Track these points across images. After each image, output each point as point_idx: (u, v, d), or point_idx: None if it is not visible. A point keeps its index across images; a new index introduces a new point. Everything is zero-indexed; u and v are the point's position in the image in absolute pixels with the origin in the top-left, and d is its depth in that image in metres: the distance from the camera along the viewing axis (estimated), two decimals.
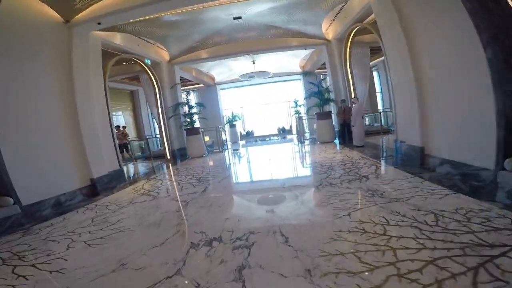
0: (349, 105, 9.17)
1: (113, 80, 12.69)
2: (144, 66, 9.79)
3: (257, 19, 8.75)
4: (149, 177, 7.47)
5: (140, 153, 13.33)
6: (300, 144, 10.66)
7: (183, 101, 10.86)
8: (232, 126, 16.57)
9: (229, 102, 18.00)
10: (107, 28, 7.23)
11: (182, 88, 16.41)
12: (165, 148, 10.40)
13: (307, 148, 9.36)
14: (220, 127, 11.48)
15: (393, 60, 5.67)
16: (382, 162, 5.89)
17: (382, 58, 13.26)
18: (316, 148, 8.91)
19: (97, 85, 6.93)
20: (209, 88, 16.58)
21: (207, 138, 11.77)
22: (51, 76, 5.66)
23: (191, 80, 15.44)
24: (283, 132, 15.94)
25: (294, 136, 15.71)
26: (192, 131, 10.19)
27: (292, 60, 13.84)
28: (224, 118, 17.05)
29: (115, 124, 12.45)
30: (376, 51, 12.39)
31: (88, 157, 6.05)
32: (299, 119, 11.74)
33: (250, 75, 12.68)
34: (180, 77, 13.79)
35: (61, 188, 5.42)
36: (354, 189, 4.13)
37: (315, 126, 11.76)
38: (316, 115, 9.92)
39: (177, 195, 5.19)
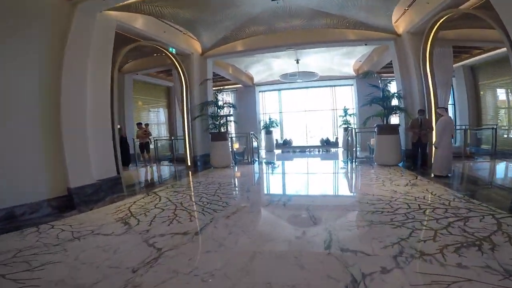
0: (427, 118, 6.62)
1: (146, 74, 11.72)
2: (170, 56, 8.34)
3: (302, 1, 6.74)
4: (150, 190, 5.82)
5: (169, 154, 12.02)
6: (349, 164, 8.24)
7: (213, 99, 9.19)
8: (269, 132, 14.62)
9: (267, 105, 16.13)
10: (121, 8, 5.84)
11: (218, 87, 15.11)
12: (186, 153, 8.81)
13: (361, 171, 6.96)
14: (252, 134, 9.57)
15: None
16: (498, 208, 3.38)
17: (464, 62, 10.28)
18: (375, 173, 6.49)
19: (101, 74, 5.51)
20: (247, 90, 14.88)
21: (236, 146, 9.96)
22: (36, 55, 4.34)
23: (229, 79, 13.92)
24: (327, 145, 13.51)
25: (339, 150, 13.21)
26: (218, 136, 8.45)
27: (344, 60, 11.45)
28: (261, 123, 15.19)
29: (143, 121, 11.45)
30: (458, 52, 9.48)
31: (66, 161, 4.56)
32: (349, 131, 9.21)
33: (292, 75, 10.65)
34: (216, 74, 12.32)
35: (18, 197, 3.98)
36: (475, 270, 1.97)
37: (371, 141, 9.24)
38: (376, 128, 7.47)
39: (159, 232, 3.36)
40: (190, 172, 8.08)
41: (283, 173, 7.74)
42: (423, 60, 6.85)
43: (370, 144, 9.25)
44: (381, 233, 2.88)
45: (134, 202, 4.99)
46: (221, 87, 14.78)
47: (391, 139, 7.11)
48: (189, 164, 8.81)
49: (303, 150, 13.71)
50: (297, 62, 11.27)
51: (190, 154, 8.77)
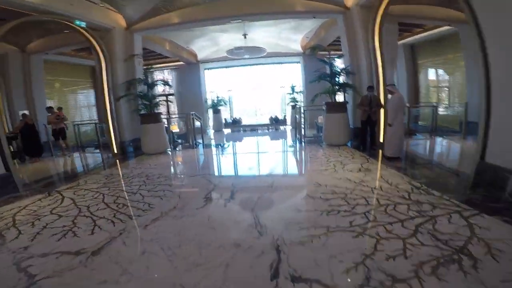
0: (376, 95, 6.30)
1: (60, 53, 9.55)
2: (82, 31, 6.61)
3: None
4: (54, 189, 4.51)
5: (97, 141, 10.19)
6: (298, 145, 7.73)
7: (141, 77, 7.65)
8: (217, 111, 13.50)
9: (214, 84, 14.81)
10: None
11: (155, 64, 13.36)
12: (110, 139, 7.32)
13: (310, 153, 6.45)
14: (193, 114, 8.39)
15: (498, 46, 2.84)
16: (461, 203, 3.04)
17: (405, 40, 10.34)
18: (325, 155, 6.02)
19: None
20: (190, 67, 13.29)
21: (175, 128, 8.71)
22: None
23: (168, 57, 12.19)
24: (276, 123, 12.98)
25: (287, 128, 12.84)
26: (149, 118, 7.10)
27: (291, 35, 10.68)
28: (208, 102, 13.93)
29: (63, 105, 9.43)
30: (400, 30, 9.39)
31: None
32: (297, 109, 8.60)
33: (238, 50, 9.56)
34: (151, 50, 10.64)
35: None
36: None
37: (319, 120, 8.86)
38: (325, 106, 6.97)
39: (42, 250, 2.36)
40: (117, 161, 6.72)
41: (228, 158, 6.90)
42: (372, 34, 6.39)
43: (318, 122, 8.89)
44: (341, 247, 2.22)
45: (25, 206, 3.74)
46: (154, 65, 13.01)
47: (340, 117, 6.70)
48: (115, 151, 7.37)
49: (252, 129, 12.99)
50: (245, 37, 10.16)
51: (115, 139, 7.31)
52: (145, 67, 7.83)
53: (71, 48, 9.40)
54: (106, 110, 7.19)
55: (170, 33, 9.52)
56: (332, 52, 7.28)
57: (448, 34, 8.99)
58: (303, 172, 5.23)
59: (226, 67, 14.47)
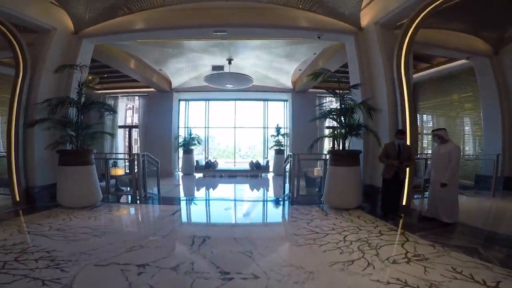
0: (407, 144, 4.46)
1: None
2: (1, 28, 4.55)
3: None
4: None
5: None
6: (288, 206, 5.52)
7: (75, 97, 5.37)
8: (188, 151, 11.23)
9: (189, 119, 12.78)
10: None
11: (118, 90, 11.32)
12: (12, 183, 4.78)
13: (312, 223, 4.09)
14: (145, 155, 6.08)
15: None
16: None
17: (418, 74, 8.87)
18: (334, 226, 3.83)
19: None
20: (162, 96, 11.25)
21: (119, 171, 6.25)
22: None
23: (136, 80, 10.22)
24: (257, 169, 10.83)
25: (271, 176, 10.72)
26: (73, 156, 4.73)
27: (285, 66, 9.07)
28: (179, 139, 11.72)
29: None
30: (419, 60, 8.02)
31: None
32: (289, 158, 6.41)
33: (219, 74, 7.80)
34: (115, 70, 8.71)
35: None
36: None
37: (315, 172, 6.84)
38: (329, 155, 4.99)
39: None
40: (13, 213, 4.17)
41: (182, 229, 4.47)
42: (398, 62, 4.77)
43: (314, 174, 6.84)
44: None
45: None
46: (117, 90, 10.99)
47: (350, 172, 4.69)
48: (17, 199, 4.79)
49: (230, 175, 10.73)
50: (229, 63, 8.51)
51: (17, 182, 4.78)
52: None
53: None
54: (10, 139, 4.76)
55: (136, 48, 7.63)
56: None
57: (457, 70, 7.84)
58: (314, 271, 2.86)
59: (205, 99, 12.65)
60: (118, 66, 8.50)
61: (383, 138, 4.81)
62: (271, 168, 11.18)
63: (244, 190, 8.43)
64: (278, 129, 11.43)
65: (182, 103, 12.47)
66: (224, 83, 8.65)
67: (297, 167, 5.61)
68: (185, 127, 12.11)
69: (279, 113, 12.95)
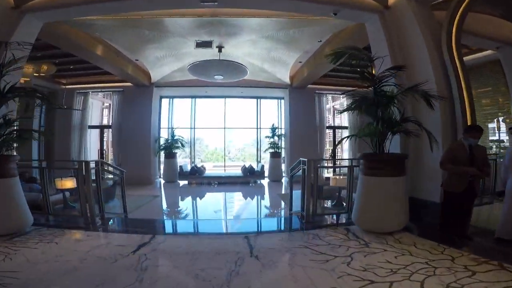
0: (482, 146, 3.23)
1: None
2: None
3: None
4: None
5: None
6: (302, 233, 4.04)
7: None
8: (170, 156, 9.68)
9: (175, 118, 11.22)
10: None
11: (90, 85, 9.61)
12: None
13: (353, 268, 2.67)
14: (99, 163, 4.51)
15: None
16: None
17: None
18: (387, 270, 2.49)
19: None
20: (140, 92, 9.61)
21: (66, 183, 4.62)
22: None
23: (110, 73, 8.58)
24: (250, 175, 9.41)
25: (266, 183, 9.38)
26: None
27: (284, 56, 7.70)
28: (159, 141, 10.13)
29: None
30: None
31: None
32: (301, 166, 4.48)
33: (207, 63, 6.37)
34: (80, 59, 7.12)
35: None
36: None
37: (332, 181, 5.52)
38: (363, 161, 3.63)
39: None
40: None
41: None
42: (449, 40, 3.54)
43: (331, 184, 5.51)
44: None
45: None
46: (86, 84, 9.24)
47: (397, 184, 3.39)
48: None
49: (219, 182, 9.26)
50: (220, 50, 7.07)
51: None
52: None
53: None
54: None
55: (103, 29, 6.06)
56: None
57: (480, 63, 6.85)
58: None
59: (191, 97, 11.13)
60: (82, 53, 6.87)
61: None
62: (266, 173, 9.82)
63: (238, 200, 7.02)
64: (273, 130, 10.12)
65: (165, 101, 10.91)
66: (213, 74, 7.23)
67: (313, 179, 4.25)
68: (168, 128, 10.51)
69: (272, 112, 11.65)
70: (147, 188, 8.38)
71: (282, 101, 10.98)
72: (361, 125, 10.18)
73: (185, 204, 7.20)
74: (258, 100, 11.37)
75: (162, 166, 10.04)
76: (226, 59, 7.14)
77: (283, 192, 7.82)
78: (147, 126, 9.50)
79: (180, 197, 7.94)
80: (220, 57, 7.10)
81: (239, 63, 6.88)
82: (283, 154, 10.31)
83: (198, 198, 7.53)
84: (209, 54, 7.25)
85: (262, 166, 9.63)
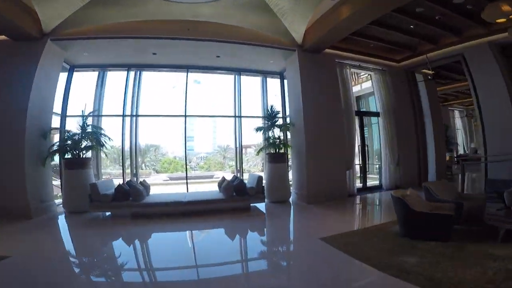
0: None
1: None
2: None
3: None
4: None
5: None
6: None
7: None
8: (76, 164, 4.84)
9: (105, 100, 6.43)
10: None
11: None
12: None
13: None
14: None
15: None
16: None
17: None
18: None
19: None
20: (19, 49, 4.74)
21: None
22: None
23: None
24: (239, 195, 4.89)
25: (264, 207, 5.04)
26: None
27: None
28: (50, 136, 5.16)
29: None
30: None
31: None
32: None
33: None
34: None
35: None
36: None
37: None
38: None
39: None
40: None
41: None
42: None
43: None
44: None
45: None
46: None
47: None
48: None
49: (178, 212, 4.61)
50: None
51: None
52: None
53: None
54: None
55: None
56: None
57: None
58: None
59: (126, 66, 6.45)
60: None
61: None
62: (264, 190, 5.39)
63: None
64: (271, 114, 5.86)
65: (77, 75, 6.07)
66: None
67: None
68: (82, 116, 5.56)
69: (256, 96, 7.45)
70: (10, 228, 3.60)
71: (274, 80, 6.95)
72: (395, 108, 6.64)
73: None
74: (238, 76, 7.10)
75: (60, 183, 5.11)
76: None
77: (324, 234, 3.45)
78: (22, 106, 4.52)
79: (73, 253, 3.24)
80: None
81: None
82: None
83: (120, 260, 2.93)
84: None
85: (260, 178, 5.03)
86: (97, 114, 5.99)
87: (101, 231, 4.01)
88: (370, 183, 6.98)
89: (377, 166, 7.33)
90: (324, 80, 5.91)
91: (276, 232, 4.16)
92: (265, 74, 7.29)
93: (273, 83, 7.32)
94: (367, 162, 6.66)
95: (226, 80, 7.41)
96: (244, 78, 7.19)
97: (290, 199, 5.61)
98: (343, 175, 5.76)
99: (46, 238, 3.64)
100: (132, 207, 4.45)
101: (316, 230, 3.68)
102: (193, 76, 7.52)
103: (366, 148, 6.72)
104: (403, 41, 6.23)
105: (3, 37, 4.73)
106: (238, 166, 7.28)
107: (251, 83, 7.40)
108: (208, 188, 6.59)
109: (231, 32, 5.40)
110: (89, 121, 5.37)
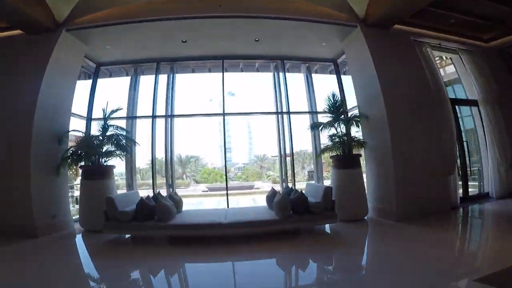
0: None
1: None
2: None
3: None
4: None
5: None
6: None
7: None
8: (96, 173, 3.92)
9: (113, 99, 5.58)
10: None
11: None
12: None
13: None
14: None
15: None
16: None
17: None
18: None
19: None
20: (34, 45, 4.07)
21: None
22: None
23: None
24: (299, 213, 3.44)
25: (334, 229, 3.48)
26: None
27: None
28: (64, 142, 4.29)
29: None
30: None
31: None
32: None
33: None
34: None
35: None
36: None
37: None
38: None
39: None
40: None
41: None
42: None
43: None
44: None
45: None
46: None
47: None
48: None
49: (217, 236, 3.36)
50: None
51: None
52: None
53: None
54: None
55: None
56: None
57: None
58: None
59: (157, 61, 5.58)
60: None
61: None
62: (335, 206, 3.82)
63: None
64: (336, 105, 4.38)
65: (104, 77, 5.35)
66: None
67: None
68: (103, 118, 4.70)
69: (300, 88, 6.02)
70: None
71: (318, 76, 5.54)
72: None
73: None
74: (281, 64, 5.80)
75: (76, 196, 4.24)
76: None
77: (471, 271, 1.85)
78: (29, 105, 3.72)
79: None
80: None
81: None
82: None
83: None
84: None
85: (328, 190, 3.51)
86: (120, 115, 5.09)
87: (112, 259, 2.92)
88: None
89: (477, 168, 5.38)
90: (402, 62, 4.36)
91: (388, 274, 2.31)
92: (314, 61, 5.90)
93: (318, 79, 5.91)
94: (468, 164, 4.78)
95: (264, 78, 6.16)
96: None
97: (366, 216, 4.02)
98: (443, 182, 4.04)
99: (27, 266, 2.63)
100: (155, 229, 3.30)
101: (444, 265, 2.11)
102: (228, 86, 6.35)
103: (466, 145, 4.84)
104: (497, 15, 4.47)
105: (16, 32, 4.12)
106: (282, 174, 5.91)
107: (291, 81, 6.02)
108: (251, 200, 5.32)
109: (273, 4, 4.19)
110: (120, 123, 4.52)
